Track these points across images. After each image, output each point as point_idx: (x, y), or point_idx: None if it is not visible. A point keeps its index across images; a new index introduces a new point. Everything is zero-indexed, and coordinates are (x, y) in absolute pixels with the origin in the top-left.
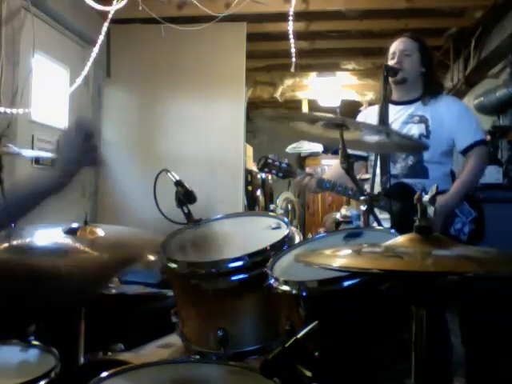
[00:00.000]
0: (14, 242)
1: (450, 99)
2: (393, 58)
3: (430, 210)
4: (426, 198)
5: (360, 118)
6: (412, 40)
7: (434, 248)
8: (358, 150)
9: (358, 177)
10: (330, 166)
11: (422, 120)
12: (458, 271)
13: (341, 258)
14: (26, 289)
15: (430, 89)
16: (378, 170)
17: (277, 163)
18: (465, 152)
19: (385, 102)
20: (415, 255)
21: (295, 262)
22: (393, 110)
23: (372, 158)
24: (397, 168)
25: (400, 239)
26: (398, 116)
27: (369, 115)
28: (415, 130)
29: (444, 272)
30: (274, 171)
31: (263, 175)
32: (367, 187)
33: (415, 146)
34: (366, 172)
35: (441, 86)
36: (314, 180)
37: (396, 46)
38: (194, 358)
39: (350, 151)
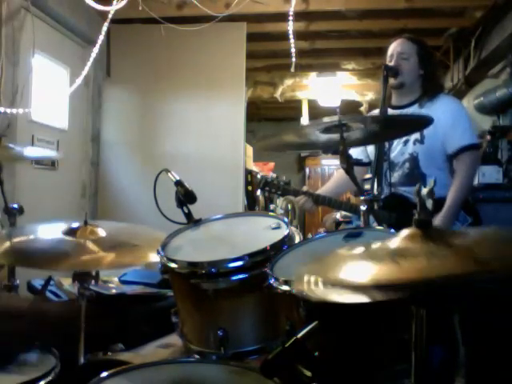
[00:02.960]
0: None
1: (446, 100)
2: (391, 61)
3: (429, 204)
4: (424, 191)
5: None
6: (410, 42)
7: (435, 245)
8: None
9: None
10: (327, 183)
11: None
12: (463, 273)
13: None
14: None
15: (428, 90)
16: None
17: (276, 182)
18: (452, 157)
19: (385, 101)
20: (422, 261)
21: (295, 262)
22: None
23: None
24: (394, 177)
25: (399, 239)
26: None
27: None
28: (409, 135)
29: (450, 275)
30: (273, 190)
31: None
32: (368, 187)
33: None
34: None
35: (440, 87)
36: (310, 201)
37: (394, 48)
38: (194, 357)
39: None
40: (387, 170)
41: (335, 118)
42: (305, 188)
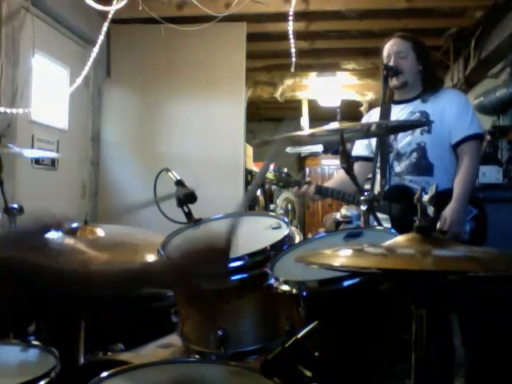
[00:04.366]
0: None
1: (450, 92)
2: (388, 61)
3: (430, 210)
4: (425, 197)
5: (364, 119)
6: (404, 40)
7: (434, 248)
8: (362, 138)
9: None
10: (333, 178)
11: (423, 115)
12: (457, 270)
13: (341, 257)
14: (25, 282)
15: (429, 86)
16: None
17: (277, 173)
18: (456, 146)
19: (384, 101)
20: (415, 254)
21: (295, 261)
22: (395, 109)
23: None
24: (401, 166)
25: (400, 239)
26: (399, 115)
27: (371, 117)
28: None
29: (444, 271)
30: (274, 181)
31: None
32: (369, 187)
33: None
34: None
35: (440, 81)
36: (313, 188)
37: (389, 48)
38: (194, 358)
39: (357, 154)
40: (393, 161)
41: (335, 126)
42: (308, 179)
